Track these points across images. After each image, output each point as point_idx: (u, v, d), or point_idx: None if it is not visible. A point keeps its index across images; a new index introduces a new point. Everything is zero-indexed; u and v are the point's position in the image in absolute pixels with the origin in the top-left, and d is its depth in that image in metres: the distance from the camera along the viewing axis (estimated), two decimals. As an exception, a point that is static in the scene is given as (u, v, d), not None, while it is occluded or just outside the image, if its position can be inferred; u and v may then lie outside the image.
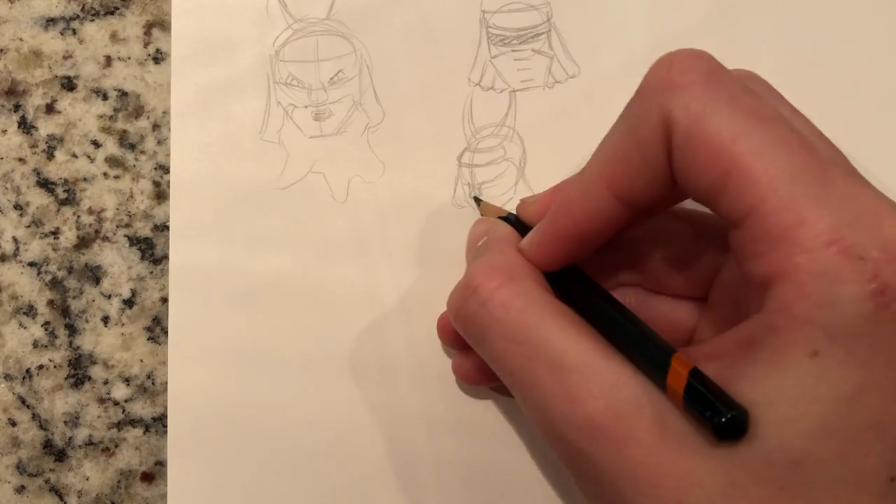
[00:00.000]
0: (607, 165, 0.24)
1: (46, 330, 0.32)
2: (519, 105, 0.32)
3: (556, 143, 0.32)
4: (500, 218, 0.29)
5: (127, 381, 0.31)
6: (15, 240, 0.32)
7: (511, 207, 0.32)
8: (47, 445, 0.31)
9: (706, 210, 0.27)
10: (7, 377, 0.31)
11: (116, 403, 0.31)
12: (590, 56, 0.33)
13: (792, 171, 0.21)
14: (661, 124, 0.22)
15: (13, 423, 0.31)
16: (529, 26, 0.33)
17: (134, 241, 0.32)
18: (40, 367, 0.31)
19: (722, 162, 0.21)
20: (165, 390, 0.31)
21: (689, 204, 0.27)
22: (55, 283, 0.32)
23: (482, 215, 0.31)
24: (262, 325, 0.31)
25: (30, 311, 0.32)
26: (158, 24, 0.33)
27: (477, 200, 0.31)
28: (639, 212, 0.24)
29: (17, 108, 0.32)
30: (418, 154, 0.32)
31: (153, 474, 0.31)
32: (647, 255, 0.28)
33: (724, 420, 0.19)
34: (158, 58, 0.33)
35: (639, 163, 0.23)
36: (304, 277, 0.31)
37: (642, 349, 0.22)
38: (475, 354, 0.28)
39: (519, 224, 0.29)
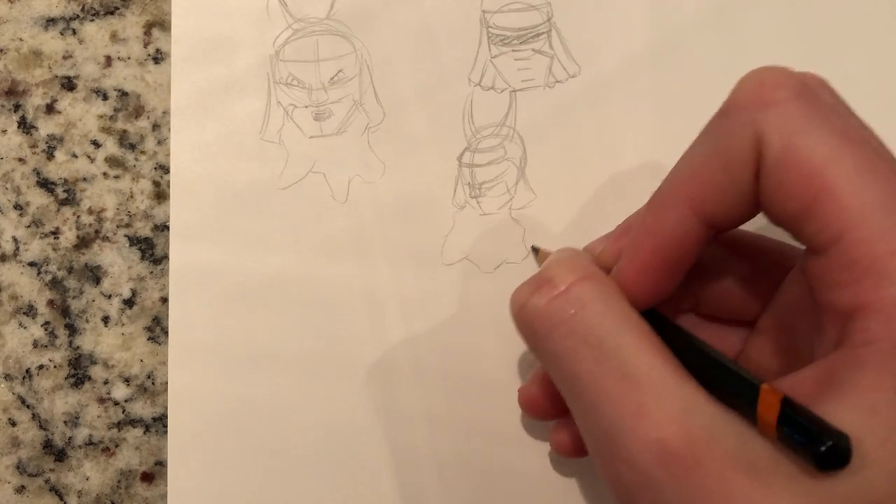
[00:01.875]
0: (689, 184, 0.23)
1: (46, 330, 0.32)
2: (519, 105, 0.32)
3: (557, 143, 0.32)
4: None
5: (127, 381, 0.31)
6: (15, 240, 0.32)
7: (510, 208, 0.32)
8: (47, 445, 0.31)
9: (761, 234, 0.26)
10: (7, 377, 0.31)
11: (116, 403, 0.31)
12: (590, 56, 0.33)
13: (883, 200, 0.20)
14: (752, 143, 0.21)
15: (13, 423, 0.31)
16: (530, 26, 0.33)
17: (134, 241, 0.32)
18: (40, 367, 0.31)
19: (812, 186, 0.20)
20: (165, 390, 0.31)
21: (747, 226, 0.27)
22: (55, 283, 0.32)
23: (539, 263, 0.29)
24: (262, 324, 0.31)
25: (30, 311, 0.32)
26: (158, 24, 0.33)
27: (535, 250, 0.30)
28: (717, 232, 0.23)
29: (17, 108, 0.32)
30: (418, 154, 0.32)
31: (153, 474, 0.31)
32: (702, 281, 0.27)
33: (824, 448, 0.18)
34: (158, 58, 0.33)
35: (725, 182, 0.22)
36: (304, 277, 0.31)
37: (728, 379, 0.21)
38: (573, 425, 0.27)
39: None
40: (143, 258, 0.32)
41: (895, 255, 0.20)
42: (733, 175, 0.22)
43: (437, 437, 0.31)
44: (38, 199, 0.32)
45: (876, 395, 0.19)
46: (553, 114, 0.32)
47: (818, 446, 0.18)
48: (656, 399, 0.21)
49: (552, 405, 0.28)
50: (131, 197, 0.32)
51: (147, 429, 0.31)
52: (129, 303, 0.32)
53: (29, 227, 0.32)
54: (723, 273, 0.27)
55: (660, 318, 0.25)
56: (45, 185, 0.32)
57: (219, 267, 0.31)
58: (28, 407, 0.31)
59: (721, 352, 0.23)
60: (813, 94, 0.22)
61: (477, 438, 0.31)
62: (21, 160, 0.32)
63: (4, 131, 0.32)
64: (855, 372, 0.20)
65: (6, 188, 0.32)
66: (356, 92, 0.32)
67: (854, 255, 0.20)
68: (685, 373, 0.21)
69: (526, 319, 0.24)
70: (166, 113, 0.32)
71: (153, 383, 0.31)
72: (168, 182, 0.32)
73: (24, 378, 0.31)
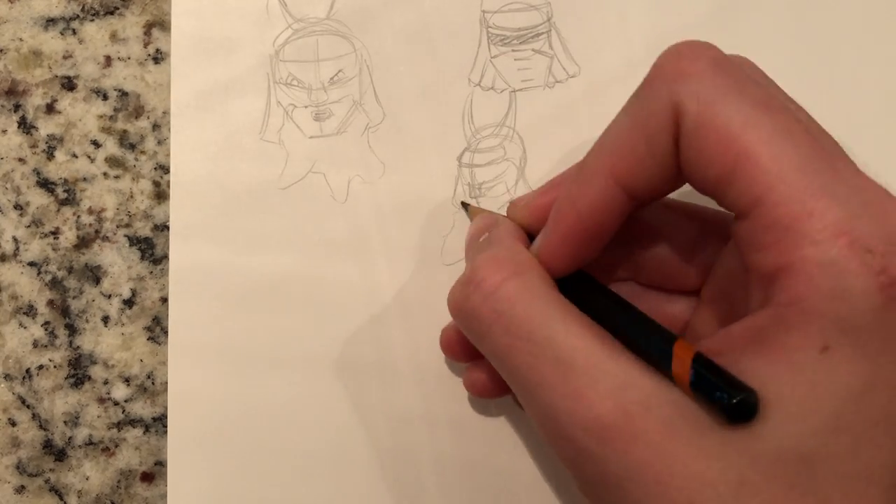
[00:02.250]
0: (612, 155, 0.23)
1: (46, 330, 0.32)
2: (519, 105, 0.32)
3: (557, 143, 0.32)
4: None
5: (127, 381, 0.31)
6: (15, 240, 0.32)
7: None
8: (47, 445, 0.31)
9: (701, 204, 0.27)
10: (7, 377, 0.31)
11: (116, 403, 0.31)
12: (590, 56, 0.33)
13: (800, 162, 0.20)
14: (670, 112, 0.22)
15: (13, 423, 0.31)
16: (530, 26, 0.33)
17: (134, 241, 0.32)
18: (40, 367, 0.31)
19: (731, 151, 0.21)
20: (165, 390, 0.31)
21: (683, 197, 0.27)
22: (55, 283, 0.32)
23: (471, 219, 0.31)
24: (262, 325, 0.31)
25: (30, 311, 0.32)
26: (158, 23, 0.33)
27: (465, 205, 0.31)
28: (640, 203, 0.24)
29: (17, 108, 0.32)
30: (418, 154, 0.32)
31: (153, 474, 0.31)
32: (641, 249, 0.27)
33: (734, 402, 0.19)
34: (158, 58, 0.33)
35: (645, 152, 0.23)
36: (304, 277, 0.31)
37: (644, 340, 0.22)
38: (487, 366, 0.28)
39: None
40: (143, 258, 0.32)
41: (811, 216, 0.20)
42: (653, 145, 0.22)
43: (437, 437, 0.31)
44: (38, 199, 0.32)
45: (798, 353, 0.20)
46: (553, 114, 0.32)
47: (728, 400, 0.19)
48: (590, 380, 0.21)
49: (468, 348, 0.28)
50: (131, 197, 0.32)
51: (147, 429, 0.31)
52: (129, 303, 0.32)
53: (29, 227, 0.32)
54: (663, 242, 0.27)
55: (585, 278, 0.25)
56: (45, 185, 0.32)
57: (219, 267, 0.31)
58: (28, 407, 0.31)
59: (642, 311, 0.24)
60: (731, 65, 0.22)
61: (477, 438, 0.31)
62: (21, 160, 0.32)
63: (4, 131, 0.32)
64: (779, 331, 0.20)
65: (6, 188, 0.32)
66: (356, 92, 0.32)
67: (773, 216, 0.20)
68: (617, 348, 0.22)
69: (463, 322, 0.25)
70: (166, 113, 0.32)
71: (153, 383, 0.31)
72: (168, 182, 0.32)
73: (24, 378, 0.31)
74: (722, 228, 0.26)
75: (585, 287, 0.25)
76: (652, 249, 0.27)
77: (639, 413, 0.20)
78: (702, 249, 0.27)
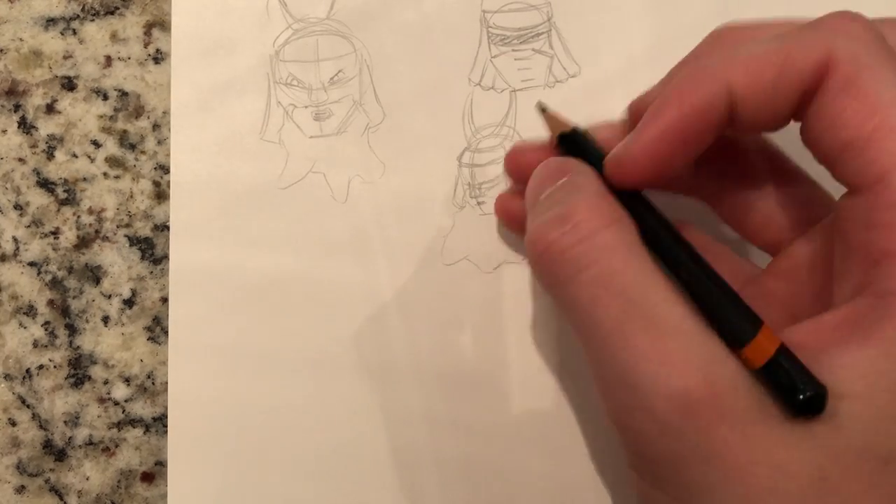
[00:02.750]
0: (741, 61, 0.22)
1: (46, 330, 0.32)
2: (519, 105, 0.32)
3: (557, 143, 0.32)
4: (564, 134, 0.27)
5: (127, 381, 0.31)
6: (15, 240, 0.32)
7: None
8: (47, 445, 0.31)
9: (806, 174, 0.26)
10: (7, 377, 0.31)
11: (116, 403, 0.31)
12: (590, 55, 0.33)
13: None
14: (821, 57, 0.21)
15: (13, 423, 0.31)
16: (530, 26, 0.33)
17: (134, 241, 0.32)
18: (40, 366, 0.31)
19: (872, 119, 0.20)
20: (165, 390, 0.31)
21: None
22: (55, 283, 0.32)
23: (547, 124, 0.28)
24: (262, 325, 0.31)
25: (30, 311, 0.32)
26: (158, 24, 0.33)
27: (542, 109, 0.29)
28: (739, 126, 0.23)
29: (17, 108, 0.32)
30: (418, 154, 0.32)
31: (153, 474, 0.31)
32: (738, 179, 0.26)
33: (801, 398, 0.19)
34: (158, 58, 0.33)
35: (774, 79, 0.22)
36: (304, 277, 0.31)
37: (729, 315, 0.21)
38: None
39: (586, 143, 0.26)
40: (143, 258, 0.32)
41: None
42: (786, 74, 0.21)
43: (437, 437, 0.31)
44: (38, 199, 0.32)
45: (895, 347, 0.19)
46: (553, 114, 0.32)
47: (795, 395, 0.19)
48: (682, 348, 0.20)
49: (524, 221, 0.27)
50: (131, 197, 0.32)
51: (147, 429, 0.31)
52: (129, 303, 0.32)
53: (29, 227, 0.32)
54: (762, 185, 0.26)
55: (675, 235, 0.24)
56: (45, 185, 0.32)
57: (219, 267, 0.31)
58: (28, 407, 0.31)
59: (730, 286, 0.22)
60: (889, 43, 0.22)
61: (477, 438, 0.31)
62: (21, 160, 0.32)
63: (4, 131, 0.32)
64: (879, 321, 0.19)
65: (6, 188, 0.32)
66: (356, 92, 0.32)
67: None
68: (705, 322, 0.21)
69: (548, 263, 0.23)
70: (166, 113, 0.32)
71: (153, 383, 0.31)
72: (168, 182, 0.32)
73: (24, 378, 0.31)
74: (821, 201, 0.25)
75: (669, 243, 0.23)
76: (748, 188, 0.26)
77: (728, 392, 0.20)
78: (791, 213, 0.25)
